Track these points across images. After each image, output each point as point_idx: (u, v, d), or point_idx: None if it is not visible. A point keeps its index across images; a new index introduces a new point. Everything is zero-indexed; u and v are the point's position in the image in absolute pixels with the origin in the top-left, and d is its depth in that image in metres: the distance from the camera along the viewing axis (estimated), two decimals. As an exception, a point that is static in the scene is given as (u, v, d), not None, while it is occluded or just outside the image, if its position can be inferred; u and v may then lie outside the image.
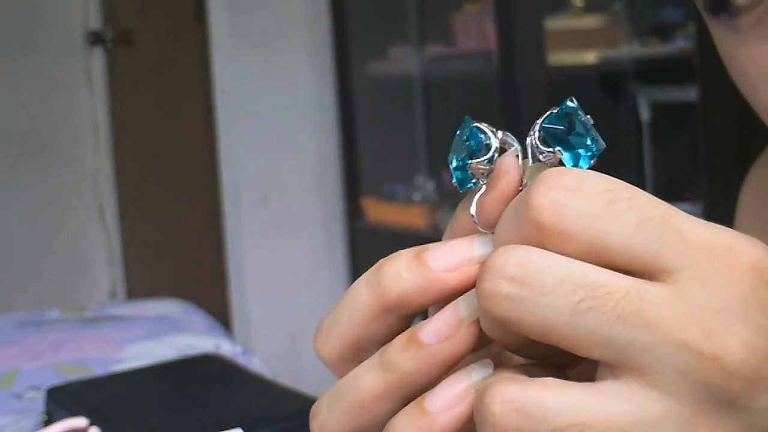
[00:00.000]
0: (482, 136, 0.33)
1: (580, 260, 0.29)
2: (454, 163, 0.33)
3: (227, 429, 0.99)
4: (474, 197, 0.33)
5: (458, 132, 0.34)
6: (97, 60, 3.61)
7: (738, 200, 0.64)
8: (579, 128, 0.32)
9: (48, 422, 1.14)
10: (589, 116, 0.32)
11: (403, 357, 0.32)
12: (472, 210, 0.33)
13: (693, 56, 1.94)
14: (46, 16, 3.49)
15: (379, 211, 2.82)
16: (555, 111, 0.32)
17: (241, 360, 1.43)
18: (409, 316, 0.33)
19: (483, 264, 0.30)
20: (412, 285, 0.32)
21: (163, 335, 1.55)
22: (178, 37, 3.26)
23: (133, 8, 3.53)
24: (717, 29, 0.48)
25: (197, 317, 1.70)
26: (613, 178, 0.30)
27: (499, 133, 0.33)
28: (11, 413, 1.23)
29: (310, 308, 2.93)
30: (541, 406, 0.29)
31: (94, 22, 3.60)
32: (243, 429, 0.99)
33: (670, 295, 0.28)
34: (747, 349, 0.28)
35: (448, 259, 0.32)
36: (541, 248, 0.29)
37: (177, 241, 3.44)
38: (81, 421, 1.06)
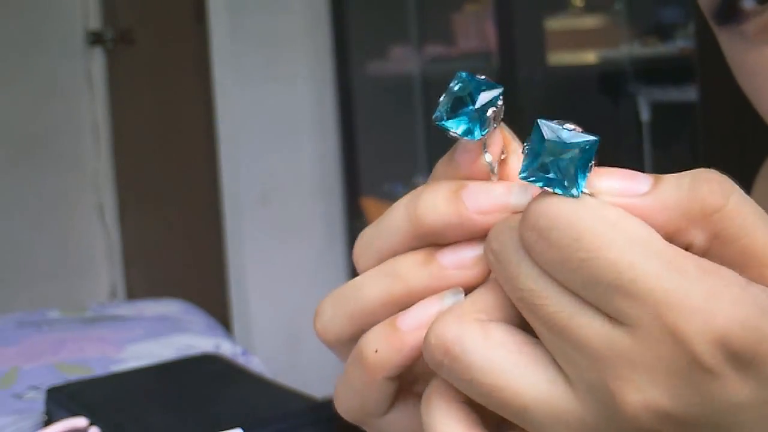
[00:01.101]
0: (482, 81, 0.33)
1: None
2: (463, 115, 0.33)
3: (227, 429, 0.99)
4: (486, 142, 0.33)
5: (451, 85, 0.34)
6: (97, 60, 3.61)
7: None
8: (553, 154, 0.31)
9: (48, 422, 1.14)
10: (568, 123, 0.32)
11: (417, 272, 0.33)
12: (487, 157, 0.33)
13: (693, 56, 1.94)
14: (46, 16, 3.49)
15: (379, 211, 2.81)
16: (527, 149, 0.32)
17: (241, 360, 1.43)
18: (441, 245, 0.34)
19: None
20: (445, 220, 0.33)
21: (163, 335, 1.55)
22: (178, 38, 3.26)
23: (133, 8, 3.53)
24: (723, 34, 0.49)
25: (197, 317, 1.70)
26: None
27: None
28: (11, 413, 1.23)
29: (310, 308, 2.91)
30: (465, 354, 0.30)
31: (94, 22, 3.60)
32: (243, 429, 0.99)
33: (600, 335, 0.29)
34: (645, 407, 0.28)
35: (485, 201, 0.32)
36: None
37: (177, 241, 3.44)
38: (81, 421, 1.06)
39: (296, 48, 2.89)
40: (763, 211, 0.31)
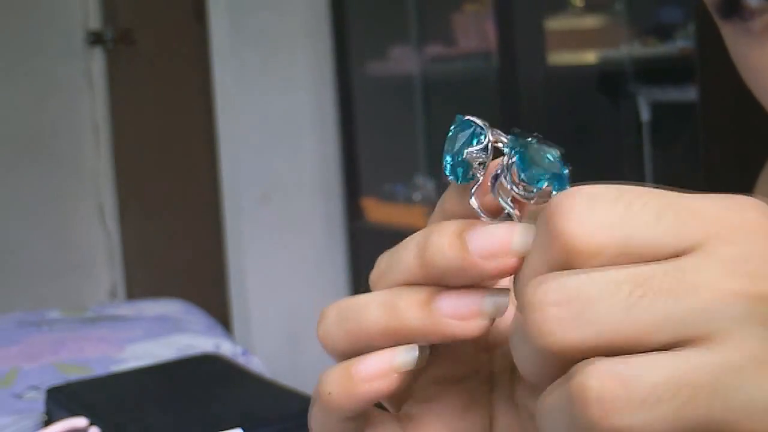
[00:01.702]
0: (474, 126, 0.33)
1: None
2: (449, 158, 0.34)
3: (227, 429, 0.99)
4: (472, 189, 0.33)
5: (451, 128, 0.34)
6: (97, 60, 3.61)
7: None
8: (545, 156, 0.32)
9: (48, 422, 1.14)
10: (533, 137, 0.33)
11: (414, 312, 0.33)
12: (473, 203, 0.33)
13: (693, 56, 1.94)
14: (46, 16, 3.49)
15: (379, 211, 2.82)
16: (515, 158, 0.33)
17: (241, 360, 1.43)
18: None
19: (522, 301, 0.30)
20: (451, 265, 0.32)
21: (163, 335, 1.55)
22: (178, 37, 3.26)
23: (133, 8, 3.53)
24: (728, 31, 0.48)
25: (197, 317, 1.70)
26: (611, 184, 0.31)
27: (488, 127, 0.34)
28: (11, 413, 1.23)
29: (310, 308, 2.92)
30: (636, 371, 0.28)
31: (94, 22, 3.60)
32: (243, 429, 0.99)
33: (703, 261, 0.29)
34: None
35: (487, 244, 0.32)
36: (570, 268, 0.30)
37: (177, 241, 3.44)
38: (81, 421, 1.06)
39: (296, 48, 2.89)
40: None
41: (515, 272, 0.32)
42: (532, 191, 0.32)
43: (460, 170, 0.33)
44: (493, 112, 2.38)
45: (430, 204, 2.71)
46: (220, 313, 2.73)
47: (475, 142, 0.33)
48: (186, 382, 1.19)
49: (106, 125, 3.63)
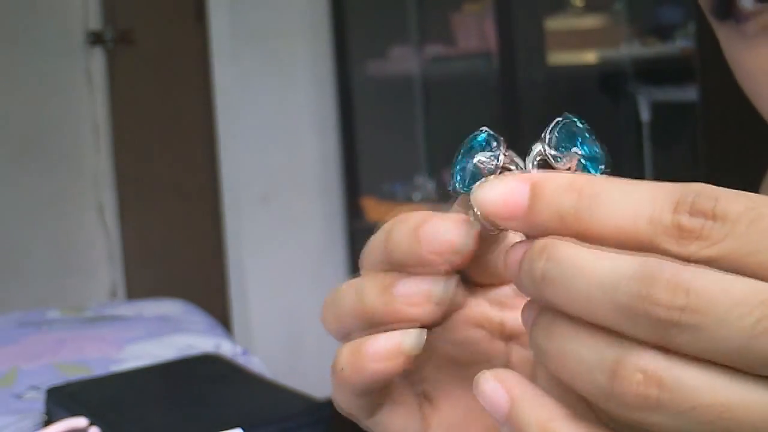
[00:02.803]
0: (490, 139, 0.33)
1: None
2: (459, 163, 0.34)
3: (227, 429, 0.99)
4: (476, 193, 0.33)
5: (468, 138, 0.34)
6: (97, 60, 3.61)
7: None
8: (585, 135, 0.32)
9: (48, 422, 1.14)
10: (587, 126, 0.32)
11: (375, 297, 0.34)
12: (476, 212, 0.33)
13: (693, 56, 1.94)
14: (46, 16, 3.49)
15: (379, 211, 2.82)
16: (559, 120, 0.32)
17: (241, 360, 1.43)
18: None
19: (638, 282, 0.28)
20: (406, 257, 0.33)
21: (163, 335, 1.55)
22: (178, 37, 3.26)
23: (133, 8, 3.53)
24: (723, 33, 0.48)
25: (197, 317, 1.70)
26: (747, 193, 0.29)
27: (503, 142, 0.33)
28: (11, 413, 1.23)
29: (310, 308, 2.93)
30: (684, 381, 0.27)
31: (94, 22, 3.60)
32: (243, 429, 0.99)
33: None
34: None
35: (435, 241, 0.32)
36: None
37: (177, 241, 3.44)
38: (81, 421, 1.06)
39: (296, 48, 2.89)
40: None
41: (463, 267, 0.33)
42: (562, 155, 0.32)
43: (467, 176, 0.33)
44: (493, 112, 2.38)
45: (429, 204, 2.71)
46: (220, 313, 2.73)
47: (487, 151, 0.33)
48: (186, 382, 1.19)
49: (106, 125, 3.63)
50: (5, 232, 3.44)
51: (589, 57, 2.43)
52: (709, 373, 0.28)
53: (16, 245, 3.46)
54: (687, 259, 0.28)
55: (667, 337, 0.28)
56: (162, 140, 3.46)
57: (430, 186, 2.78)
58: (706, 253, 0.28)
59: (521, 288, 0.31)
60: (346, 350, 0.34)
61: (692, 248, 0.28)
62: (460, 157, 0.34)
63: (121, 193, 3.66)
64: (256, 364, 1.46)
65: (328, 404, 1.13)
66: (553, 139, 0.32)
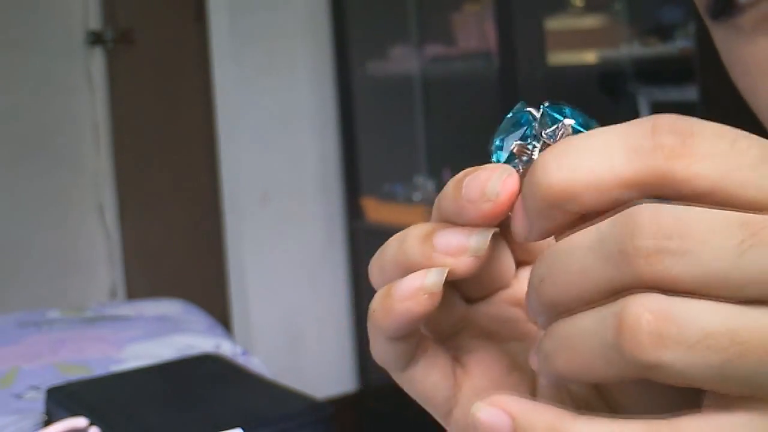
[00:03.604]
0: (534, 121, 0.34)
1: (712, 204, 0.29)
2: (498, 142, 0.34)
3: (227, 429, 0.99)
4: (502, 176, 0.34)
5: (510, 114, 0.34)
6: (97, 60, 3.61)
7: None
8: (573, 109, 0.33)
9: (48, 422, 1.14)
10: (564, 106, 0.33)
11: (415, 246, 0.35)
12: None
13: (693, 56, 1.94)
14: (46, 16, 3.49)
15: (379, 211, 2.82)
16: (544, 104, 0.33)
17: (241, 360, 1.43)
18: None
19: (623, 220, 0.29)
20: (450, 206, 0.34)
21: (163, 335, 1.55)
22: (178, 37, 3.26)
23: (133, 8, 3.53)
24: (719, 33, 0.48)
25: (197, 317, 1.70)
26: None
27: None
28: (11, 413, 1.23)
29: (310, 308, 2.93)
30: (693, 314, 0.28)
31: (94, 22, 3.60)
32: (243, 429, 0.99)
33: None
34: None
35: (471, 190, 0.33)
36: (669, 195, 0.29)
37: (177, 241, 3.44)
38: (81, 421, 1.06)
39: (296, 48, 2.89)
40: None
41: (497, 215, 0.33)
42: (556, 128, 0.33)
43: (504, 156, 0.34)
44: (493, 112, 2.38)
45: (429, 204, 2.71)
46: (220, 313, 2.73)
47: (528, 133, 0.34)
48: (186, 382, 1.19)
49: (106, 125, 3.63)
50: (5, 232, 3.44)
51: (589, 57, 2.43)
52: (712, 303, 0.28)
53: (16, 245, 3.46)
54: (675, 177, 0.29)
55: (662, 269, 0.28)
56: (162, 140, 3.46)
57: (430, 186, 2.78)
58: (695, 169, 0.29)
59: (531, 312, 0.32)
60: (379, 293, 0.35)
61: (680, 164, 0.29)
62: (500, 128, 0.34)
63: (121, 193, 3.66)
64: (256, 364, 1.46)
65: (328, 404, 1.13)
66: (545, 123, 0.33)
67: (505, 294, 0.38)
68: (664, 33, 2.24)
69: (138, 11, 3.51)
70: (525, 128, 0.34)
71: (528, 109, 0.34)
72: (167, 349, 1.46)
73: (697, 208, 0.28)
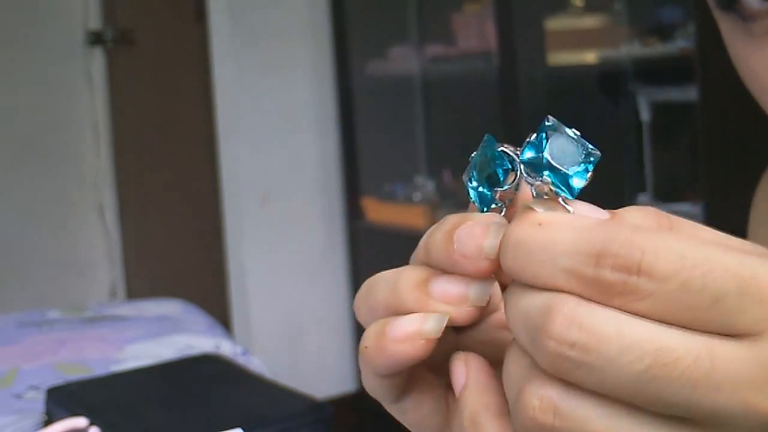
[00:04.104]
0: (507, 163, 0.33)
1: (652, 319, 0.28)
2: (475, 183, 0.33)
3: (227, 429, 0.99)
4: (492, 223, 0.33)
5: (480, 150, 0.34)
6: (97, 60, 3.61)
7: (750, 213, 0.64)
8: (562, 147, 0.31)
9: (48, 422, 1.14)
10: (573, 130, 0.31)
11: (410, 292, 0.34)
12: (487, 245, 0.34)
13: (693, 56, 1.94)
14: (46, 16, 3.49)
15: (379, 211, 2.82)
16: (533, 138, 0.32)
17: (241, 360, 1.43)
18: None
19: (542, 317, 0.29)
20: (442, 259, 0.34)
21: (163, 335, 1.55)
22: (178, 37, 3.26)
23: (133, 8, 3.53)
24: (727, 26, 0.48)
25: (197, 317, 1.70)
26: (687, 242, 0.28)
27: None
28: (11, 413, 1.23)
29: (310, 308, 2.93)
30: (576, 410, 0.29)
31: (94, 22, 3.60)
32: (243, 429, 0.99)
33: (743, 355, 0.28)
34: None
35: (466, 246, 0.33)
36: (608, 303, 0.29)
37: (177, 241, 3.44)
38: (81, 421, 1.06)
39: (296, 48, 2.89)
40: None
41: (494, 271, 0.33)
42: (535, 179, 0.32)
43: (483, 198, 0.34)
44: (493, 112, 2.38)
45: (429, 204, 2.71)
46: (220, 313, 2.73)
47: (501, 173, 0.33)
48: (186, 382, 1.19)
49: (106, 125, 3.63)
50: (5, 232, 3.44)
51: (589, 57, 2.43)
52: (605, 406, 0.29)
53: (16, 245, 3.46)
54: (611, 304, 0.29)
55: (561, 370, 0.29)
56: (162, 140, 3.46)
57: (430, 186, 2.78)
58: (632, 307, 0.28)
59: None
60: (372, 329, 0.35)
61: (616, 302, 0.29)
62: (471, 171, 0.34)
63: (121, 193, 3.66)
64: (256, 364, 1.46)
65: (328, 404, 1.13)
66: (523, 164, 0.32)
67: (493, 318, 0.37)
68: (664, 33, 2.24)
69: (138, 11, 3.51)
70: (500, 169, 0.33)
71: (501, 149, 0.33)
72: (167, 349, 1.46)
73: (617, 320, 0.28)
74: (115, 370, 1.33)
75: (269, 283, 2.88)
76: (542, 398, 0.29)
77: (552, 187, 0.31)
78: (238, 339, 2.75)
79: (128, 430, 1.04)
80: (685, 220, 0.31)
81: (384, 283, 0.35)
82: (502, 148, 0.33)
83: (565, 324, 0.28)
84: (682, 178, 2.30)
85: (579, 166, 0.31)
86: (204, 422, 1.03)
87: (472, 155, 0.34)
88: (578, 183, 0.31)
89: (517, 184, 0.33)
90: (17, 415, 1.21)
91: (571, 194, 0.31)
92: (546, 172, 0.31)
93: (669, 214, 0.31)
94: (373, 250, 2.82)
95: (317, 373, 2.90)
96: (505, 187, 0.33)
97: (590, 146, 0.31)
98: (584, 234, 0.29)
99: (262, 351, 2.76)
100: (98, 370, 1.35)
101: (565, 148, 0.31)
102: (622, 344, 0.28)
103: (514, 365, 0.31)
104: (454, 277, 0.34)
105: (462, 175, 0.34)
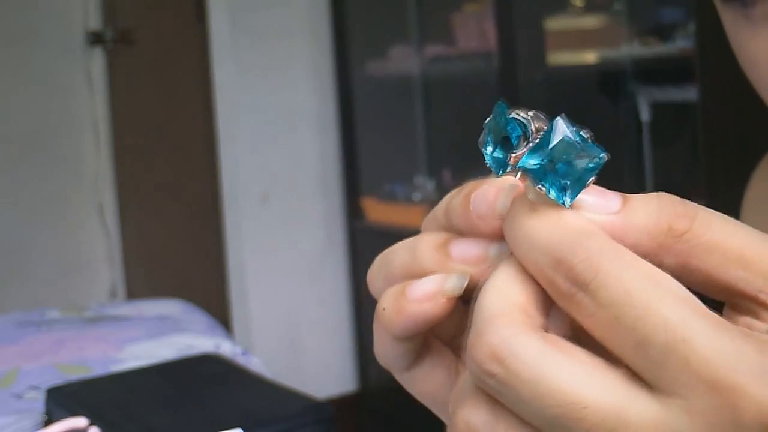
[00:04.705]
0: (519, 128, 0.33)
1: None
2: (490, 149, 0.34)
3: (227, 429, 0.99)
4: (506, 185, 0.34)
5: (493, 116, 0.34)
6: (97, 60, 3.61)
7: (743, 200, 0.64)
8: (566, 154, 0.31)
9: (48, 422, 1.14)
10: (585, 130, 0.31)
11: (429, 255, 0.35)
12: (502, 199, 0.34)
13: (693, 56, 1.94)
14: (46, 16, 3.49)
15: (379, 211, 2.82)
16: (538, 140, 0.31)
17: (241, 360, 1.43)
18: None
19: (479, 319, 0.30)
20: (460, 221, 0.35)
21: (163, 335, 1.55)
22: (178, 37, 3.26)
23: (133, 8, 3.53)
24: (728, 16, 0.48)
25: (197, 317, 1.70)
26: (644, 281, 0.28)
27: (533, 119, 0.33)
28: (11, 413, 1.23)
29: (310, 308, 2.93)
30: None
31: (94, 22, 3.60)
32: (243, 429, 0.99)
33: (654, 416, 0.28)
34: None
35: (480, 207, 0.34)
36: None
37: (177, 241, 3.44)
38: (81, 421, 1.06)
39: (296, 48, 2.89)
40: (733, 219, 0.30)
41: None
42: (537, 184, 0.31)
43: (499, 163, 0.34)
44: (493, 112, 2.38)
45: (429, 204, 2.71)
46: (220, 313, 2.73)
47: (513, 138, 0.33)
48: (186, 382, 1.19)
49: (106, 125, 3.63)
50: (5, 232, 3.44)
51: (589, 57, 2.43)
52: (525, 430, 0.29)
53: (16, 245, 3.46)
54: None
55: (485, 388, 0.30)
56: (162, 140, 3.46)
57: (430, 186, 2.78)
58: (579, 319, 0.29)
59: None
60: (390, 291, 0.35)
61: (568, 310, 0.30)
62: (486, 137, 0.34)
63: (121, 193, 3.66)
64: (256, 364, 1.46)
65: (328, 404, 1.13)
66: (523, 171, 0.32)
67: None
68: (664, 33, 2.24)
69: (138, 11, 3.51)
70: (513, 134, 0.33)
71: (512, 115, 0.33)
72: (167, 349, 1.46)
73: (543, 365, 0.28)
74: (115, 370, 1.32)
75: (269, 283, 2.88)
76: (468, 422, 0.30)
77: (552, 194, 0.31)
78: (238, 339, 2.75)
79: (128, 430, 1.04)
80: (715, 219, 0.30)
81: (402, 249, 0.36)
82: (513, 115, 0.33)
83: (488, 354, 0.29)
84: (682, 178, 2.30)
85: (582, 171, 0.31)
86: (204, 422, 1.03)
87: (486, 121, 0.34)
88: (577, 189, 0.31)
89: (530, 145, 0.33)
90: (17, 415, 1.21)
91: (567, 204, 0.31)
92: (545, 179, 0.31)
93: (695, 212, 0.30)
94: (373, 250, 2.80)
95: (317, 373, 2.90)
96: (519, 151, 0.33)
97: (597, 148, 0.31)
98: (558, 236, 0.30)
99: (262, 351, 2.76)
100: (98, 370, 1.35)
101: (569, 154, 0.31)
102: (537, 390, 0.28)
103: (465, 372, 0.31)
104: (473, 239, 0.34)
105: (478, 142, 0.35)
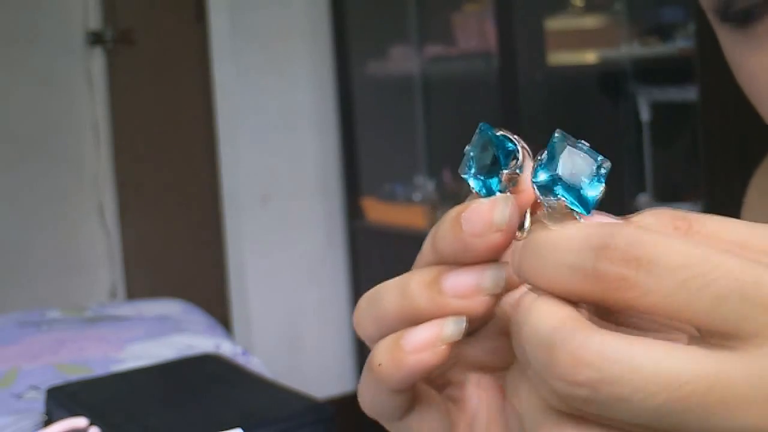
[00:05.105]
0: (509, 144, 0.33)
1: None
2: (474, 171, 0.33)
3: (227, 429, 0.99)
4: (506, 204, 0.33)
5: (476, 138, 0.33)
6: (97, 60, 3.61)
7: (743, 201, 0.64)
8: (573, 162, 0.31)
9: (48, 422, 1.14)
10: (582, 142, 0.31)
11: (421, 293, 0.33)
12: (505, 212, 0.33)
13: (693, 56, 1.94)
14: (46, 15, 3.49)
15: (379, 211, 2.82)
16: (544, 155, 0.31)
17: (241, 360, 1.43)
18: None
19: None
20: (451, 245, 0.33)
21: (163, 335, 1.55)
22: (178, 37, 3.26)
23: (133, 8, 3.53)
24: (724, 33, 0.48)
25: (197, 317, 1.70)
26: (692, 245, 0.28)
27: (518, 139, 0.33)
28: (11, 413, 1.23)
29: (310, 308, 2.93)
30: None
31: (94, 22, 3.60)
32: (243, 429, 0.99)
33: (750, 371, 0.27)
34: None
35: (475, 225, 0.32)
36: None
37: (177, 241, 3.44)
38: (81, 421, 1.06)
39: (296, 48, 2.89)
40: (723, 216, 0.30)
41: (507, 244, 0.32)
42: (550, 200, 0.31)
43: (489, 186, 0.33)
44: (493, 112, 2.38)
45: (429, 204, 2.71)
46: (220, 313, 2.73)
47: (502, 156, 0.33)
48: (186, 382, 1.19)
49: (106, 125, 3.63)
50: (5, 232, 3.44)
51: (589, 57, 2.43)
52: None
53: (16, 245, 3.46)
54: (613, 308, 0.28)
55: (573, 407, 0.28)
56: (162, 140, 3.46)
57: (430, 186, 2.78)
58: (633, 304, 0.28)
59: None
60: (384, 345, 0.34)
61: (615, 298, 0.28)
62: (470, 162, 0.33)
63: (121, 193, 3.66)
64: (256, 364, 1.46)
65: (328, 404, 1.13)
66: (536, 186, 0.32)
67: (492, 325, 0.36)
68: (664, 33, 2.24)
69: (138, 11, 3.51)
70: (502, 152, 0.33)
71: (500, 133, 0.33)
72: (167, 349, 1.46)
73: (628, 355, 0.27)
74: (115, 370, 1.33)
75: (269, 284, 2.88)
76: None
77: (568, 205, 0.31)
78: (238, 339, 2.75)
79: (128, 430, 1.04)
80: (709, 216, 0.30)
81: (391, 289, 0.34)
82: (500, 132, 0.33)
83: (573, 364, 0.27)
84: (682, 178, 2.30)
85: (591, 179, 0.31)
86: (204, 422, 1.03)
87: (467, 147, 0.33)
88: (592, 195, 0.31)
89: (521, 165, 0.33)
90: (17, 415, 1.21)
91: (587, 210, 0.31)
92: (560, 190, 0.31)
93: (688, 214, 0.30)
94: (373, 250, 2.82)
95: (317, 373, 2.90)
96: (509, 169, 0.33)
97: (600, 157, 0.31)
98: (590, 231, 0.29)
99: (262, 351, 2.76)
100: (98, 370, 1.35)
101: (576, 163, 0.31)
102: (636, 382, 0.27)
103: (527, 401, 0.30)
104: (465, 268, 0.33)
105: (459, 169, 0.34)
